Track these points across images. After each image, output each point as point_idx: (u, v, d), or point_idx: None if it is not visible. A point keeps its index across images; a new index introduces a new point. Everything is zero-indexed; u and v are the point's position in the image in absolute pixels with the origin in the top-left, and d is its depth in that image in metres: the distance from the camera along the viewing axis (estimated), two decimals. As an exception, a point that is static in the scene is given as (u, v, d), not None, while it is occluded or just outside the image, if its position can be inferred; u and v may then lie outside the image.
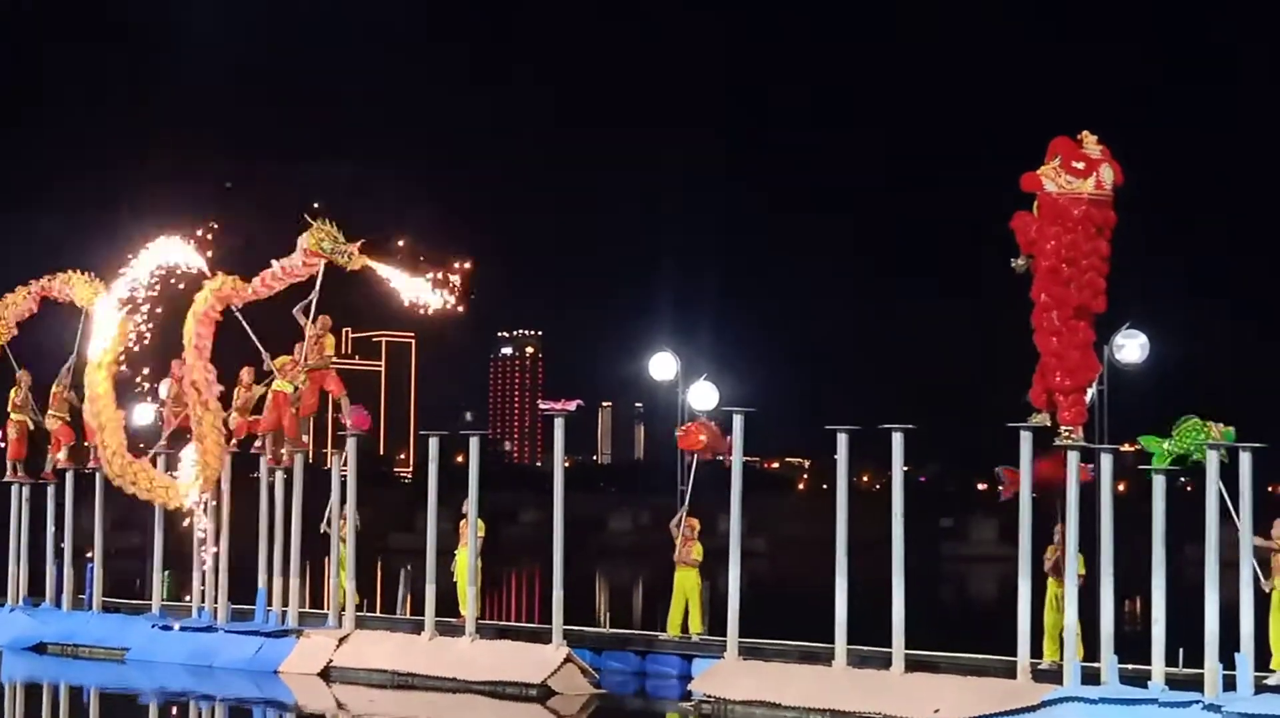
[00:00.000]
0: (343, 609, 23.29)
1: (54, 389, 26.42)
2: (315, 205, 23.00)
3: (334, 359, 24.04)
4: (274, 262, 23.57)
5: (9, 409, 26.84)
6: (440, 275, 23.12)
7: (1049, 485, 18.32)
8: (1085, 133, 18.16)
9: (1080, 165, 17.90)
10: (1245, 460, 17.01)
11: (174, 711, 21.33)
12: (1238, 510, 16.90)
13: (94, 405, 24.19)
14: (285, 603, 23.71)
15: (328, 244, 22.82)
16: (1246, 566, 17.05)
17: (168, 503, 24.16)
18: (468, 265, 23.19)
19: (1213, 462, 17.04)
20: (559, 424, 21.86)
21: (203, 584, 24.37)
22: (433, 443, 23.11)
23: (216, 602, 24.28)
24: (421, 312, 23.29)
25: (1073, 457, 17.86)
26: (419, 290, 23.14)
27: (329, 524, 23.77)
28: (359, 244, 22.97)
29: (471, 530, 22.41)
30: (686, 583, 21.64)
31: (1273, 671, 17.44)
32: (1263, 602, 17.34)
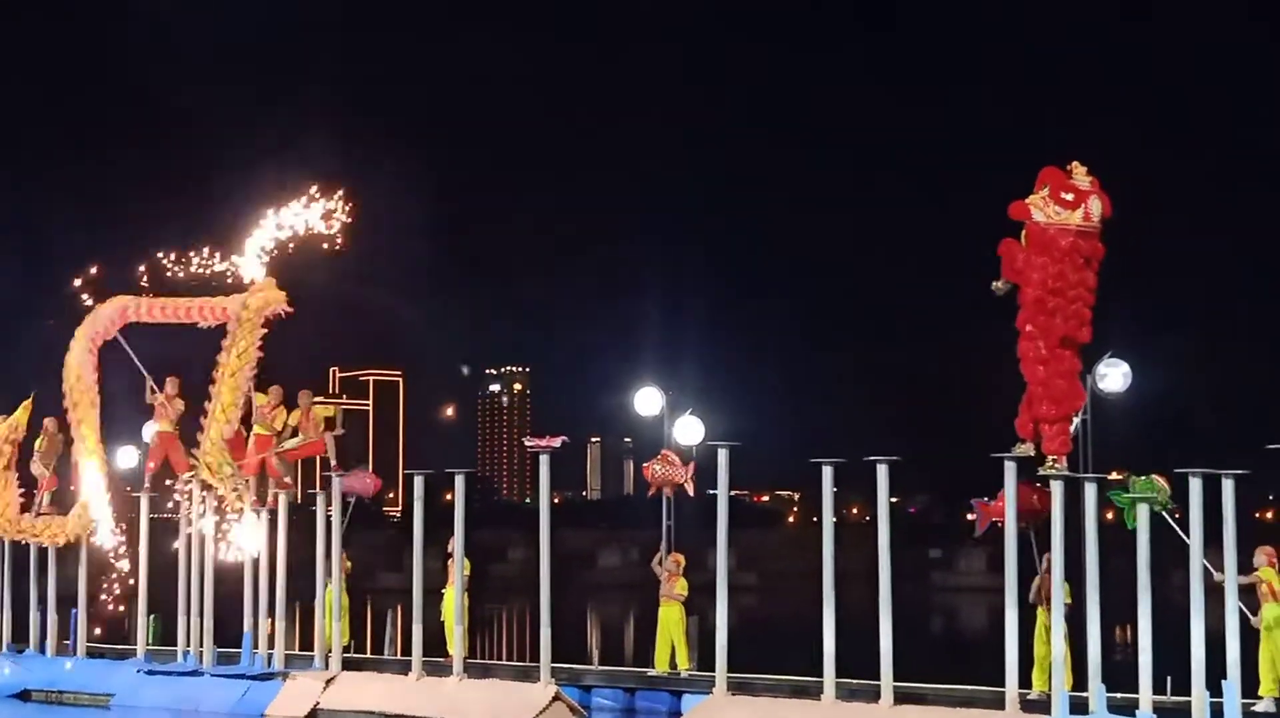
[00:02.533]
0: (329, 651, 23.17)
1: (41, 438, 26.34)
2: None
3: (325, 426, 24.12)
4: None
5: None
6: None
7: (1029, 515, 18.34)
8: (1075, 163, 18.15)
9: (1069, 197, 17.86)
10: (1228, 487, 17.04)
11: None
12: (1220, 537, 16.94)
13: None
14: (271, 646, 23.58)
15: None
16: (1231, 594, 17.05)
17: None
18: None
19: (1195, 490, 17.06)
20: (545, 461, 21.84)
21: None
22: (418, 481, 23.06)
23: (202, 645, 24.14)
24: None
25: (1057, 486, 17.86)
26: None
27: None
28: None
29: (458, 569, 22.34)
30: (670, 619, 21.57)
31: (1260, 697, 17.43)
32: (1249, 629, 17.33)
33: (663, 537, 21.69)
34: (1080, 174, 18.05)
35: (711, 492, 21.05)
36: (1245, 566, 17.44)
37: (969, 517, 19.01)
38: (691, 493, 21.36)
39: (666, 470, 21.30)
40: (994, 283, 18.18)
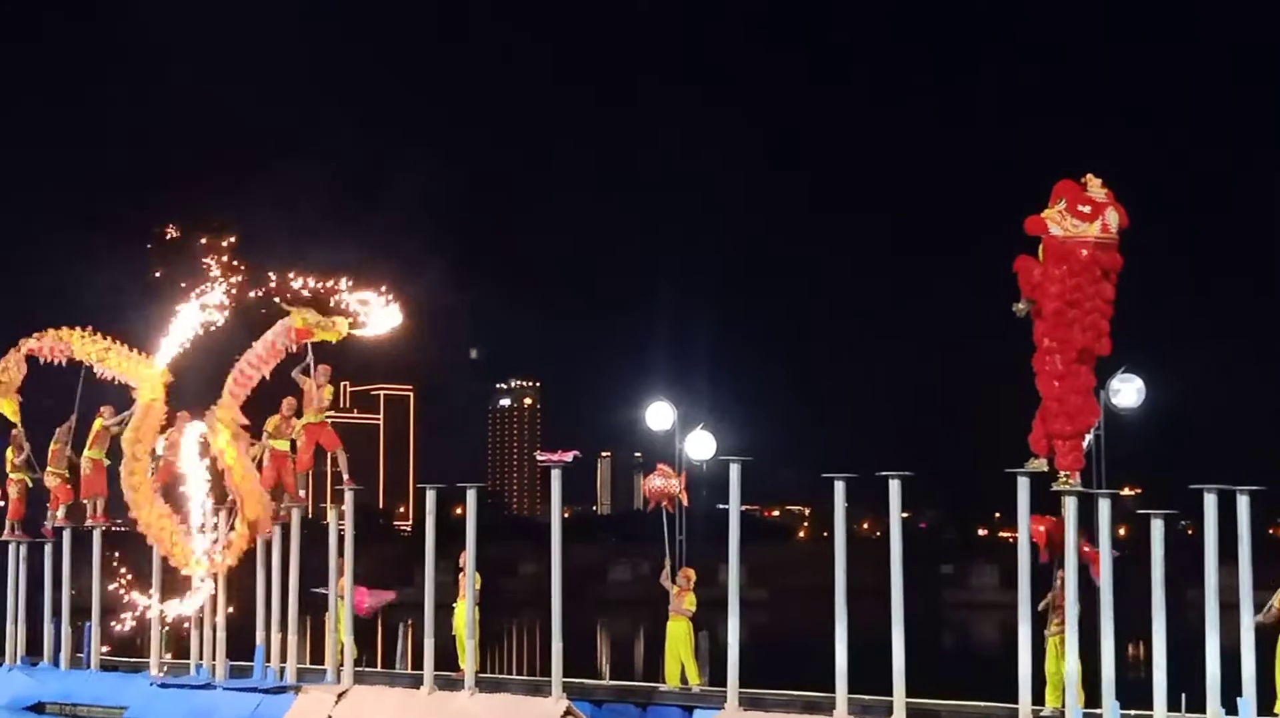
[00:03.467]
0: (341, 665, 23.18)
1: (52, 447, 26.43)
2: (288, 297, 23.69)
3: (330, 413, 24.22)
4: (253, 345, 23.89)
5: (8, 468, 26.83)
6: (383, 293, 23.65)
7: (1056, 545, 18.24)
8: (1090, 176, 18.14)
9: (1087, 209, 17.84)
10: (1243, 504, 17.00)
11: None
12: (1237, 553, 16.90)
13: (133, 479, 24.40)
14: (284, 659, 23.59)
15: (312, 318, 23.51)
16: (1247, 610, 17.00)
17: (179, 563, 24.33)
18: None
19: (1210, 506, 17.01)
20: (556, 475, 21.83)
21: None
22: (430, 495, 23.07)
23: (215, 659, 24.16)
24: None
25: (1070, 502, 17.83)
26: (385, 321, 23.66)
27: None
28: (335, 317, 23.63)
29: (469, 583, 22.34)
30: (676, 635, 21.53)
31: (1275, 714, 17.35)
32: (1264, 645, 17.27)
33: (666, 551, 21.62)
34: (1095, 186, 18.03)
35: (722, 506, 21.02)
36: (1261, 581, 17.35)
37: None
38: (685, 503, 21.31)
39: (665, 484, 21.26)
40: (1015, 305, 18.08)
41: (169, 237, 25.14)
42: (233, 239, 24.66)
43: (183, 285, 24.61)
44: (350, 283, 23.75)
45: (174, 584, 24.86)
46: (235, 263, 24.38)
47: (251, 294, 24.21)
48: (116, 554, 26.01)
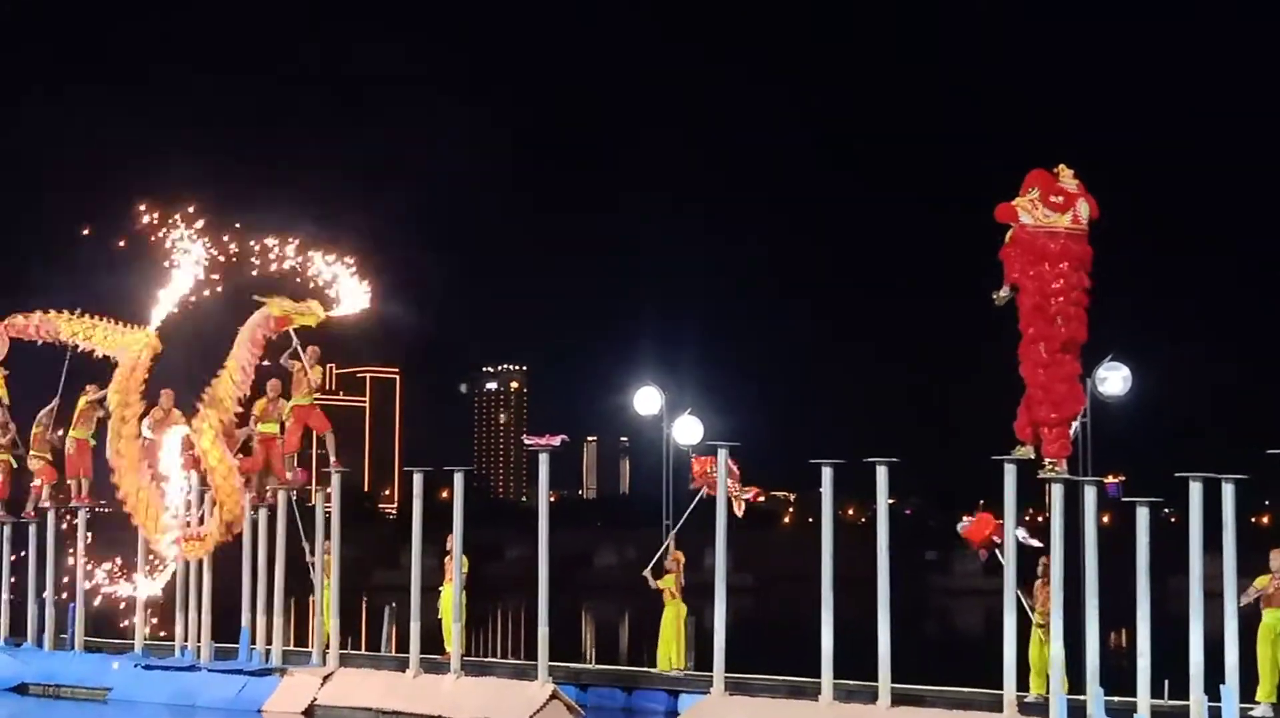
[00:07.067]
0: (327, 647, 23.17)
1: (35, 430, 26.35)
2: (257, 296, 23.63)
3: (319, 395, 24.21)
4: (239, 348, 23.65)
5: None
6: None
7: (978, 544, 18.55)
8: (1061, 166, 18.14)
9: (1059, 199, 17.86)
10: (1228, 492, 17.06)
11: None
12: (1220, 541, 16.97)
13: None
14: (269, 641, 23.58)
15: (289, 305, 23.53)
16: (1231, 599, 17.08)
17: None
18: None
19: (1195, 494, 17.07)
20: (544, 459, 21.83)
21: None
22: (417, 479, 23.06)
23: (199, 640, 24.14)
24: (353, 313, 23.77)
25: (1057, 489, 17.88)
26: (355, 300, 23.63)
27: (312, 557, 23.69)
28: (309, 301, 23.64)
29: (456, 567, 22.36)
30: (664, 617, 21.61)
31: (1257, 702, 17.46)
32: (1247, 632, 17.36)
33: (670, 541, 21.60)
34: (1067, 177, 18.01)
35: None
36: (1245, 569, 17.44)
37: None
38: (740, 513, 21.04)
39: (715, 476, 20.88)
40: (994, 293, 18.06)
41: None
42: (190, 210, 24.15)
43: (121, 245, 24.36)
44: (328, 257, 23.62)
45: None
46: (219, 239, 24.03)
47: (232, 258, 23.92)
48: (89, 535, 25.88)
